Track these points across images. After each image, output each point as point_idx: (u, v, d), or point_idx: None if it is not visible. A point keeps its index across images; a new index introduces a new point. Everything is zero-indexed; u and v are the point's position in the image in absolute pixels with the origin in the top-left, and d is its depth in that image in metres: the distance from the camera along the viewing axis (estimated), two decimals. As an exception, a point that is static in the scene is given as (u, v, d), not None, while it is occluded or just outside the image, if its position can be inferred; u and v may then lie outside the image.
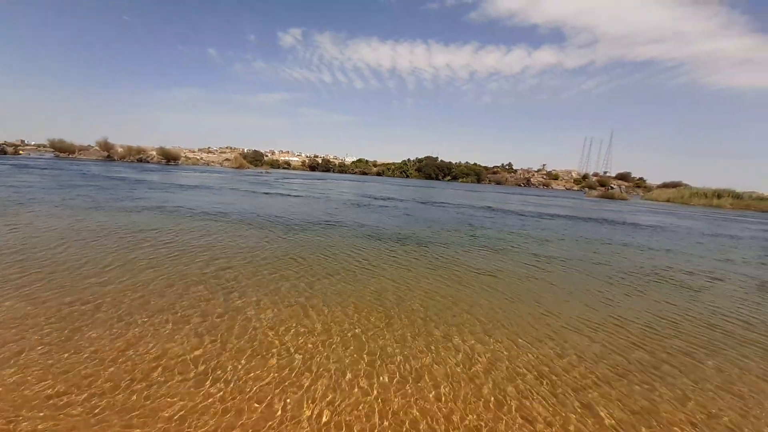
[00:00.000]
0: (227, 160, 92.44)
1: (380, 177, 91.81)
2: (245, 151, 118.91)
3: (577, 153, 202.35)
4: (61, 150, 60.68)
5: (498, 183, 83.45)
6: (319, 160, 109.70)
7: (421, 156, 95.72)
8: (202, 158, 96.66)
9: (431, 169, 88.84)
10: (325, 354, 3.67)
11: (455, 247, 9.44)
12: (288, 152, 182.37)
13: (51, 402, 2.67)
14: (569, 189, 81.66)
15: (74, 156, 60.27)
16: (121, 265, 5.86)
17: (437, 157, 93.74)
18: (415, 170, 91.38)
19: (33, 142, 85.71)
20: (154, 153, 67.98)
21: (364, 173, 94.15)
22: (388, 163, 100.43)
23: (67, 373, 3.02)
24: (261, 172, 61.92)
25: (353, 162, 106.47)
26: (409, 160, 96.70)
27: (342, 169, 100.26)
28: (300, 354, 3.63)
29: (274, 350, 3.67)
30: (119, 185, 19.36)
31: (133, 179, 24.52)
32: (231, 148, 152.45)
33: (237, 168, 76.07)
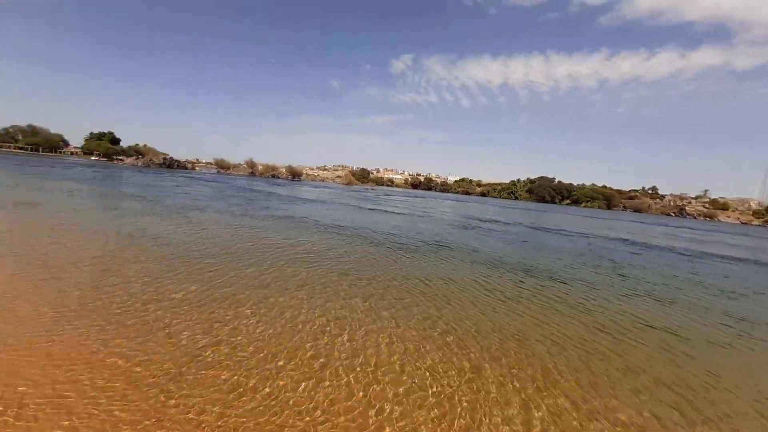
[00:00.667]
0: (339, 176, 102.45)
1: (484, 198, 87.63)
2: (354, 168, 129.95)
3: (753, 178, 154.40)
4: (222, 167, 76.99)
5: (636, 210, 69.78)
6: (422, 179, 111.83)
7: (532, 176, 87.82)
8: (318, 175, 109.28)
9: (546, 191, 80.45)
10: (491, 411, 3.04)
11: (604, 288, 7.72)
12: (392, 170, 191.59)
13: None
14: (746, 223, 62.85)
15: (229, 171, 75.64)
16: (274, 274, 6.48)
17: (553, 178, 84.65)
18: (526, 191, 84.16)
19: (204, 160, 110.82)
20: (284, 170, 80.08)
21: (467, 193, 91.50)
22: (493, 183, 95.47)
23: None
24: (366, 189, 66.37)
25: (456, 181, 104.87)
26: (518, 180, 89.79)
27: (444, 188, 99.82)
28: (458, 400, 3.11)
29: (427, 391, 3.24)
30: (258, 197, 22.90)
31: (268, 191, 28.86)
32: (342, 166, 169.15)
33: (346, 184, 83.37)
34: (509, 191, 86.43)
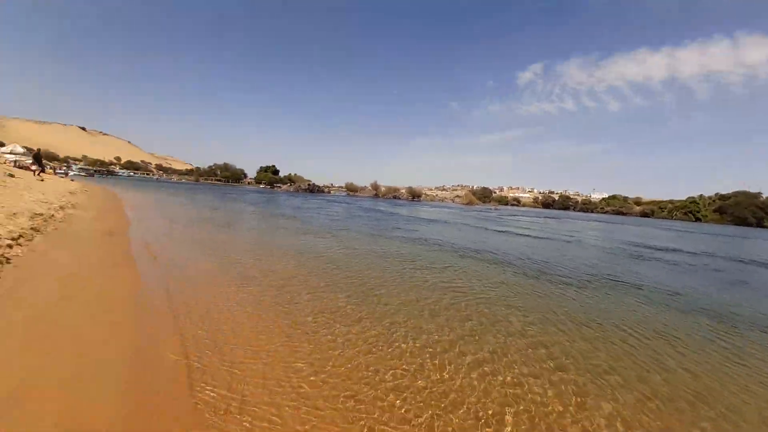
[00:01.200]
0: (458, 196, 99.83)
1: (646, 219, 69.97)
2: (474, 188, 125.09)
3: None
4: (350, 190, 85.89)
5: None
6: (555, 197, 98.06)
7: (719, 191, 65.69)
8: (437, 195, 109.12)
9: (747, 211, 58.66)
10: None
11: None
12: (518, 188, 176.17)
13: None
14: None
15: (357, 193, 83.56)
16: (433, 304, 5.45)
17: (758, 193, 61.11)
18: (714, 211, 63.24)
19: (336, 185, 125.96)
20: (404, 191, 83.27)
21: (621, 213, 74.64)
22: (659, 201, 75.21)
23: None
24: (490, 209, 61.77)
25: (604, 199, 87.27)
26: (701, 197, 68.17)
27: (587, 207, 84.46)
28: None
29: None
30: (386, 218, 23.27)
31: (391, 212, 29.40)
32: (461, 185, 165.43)
33: (466, 204, 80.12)
34: (687, 210, 66.52)
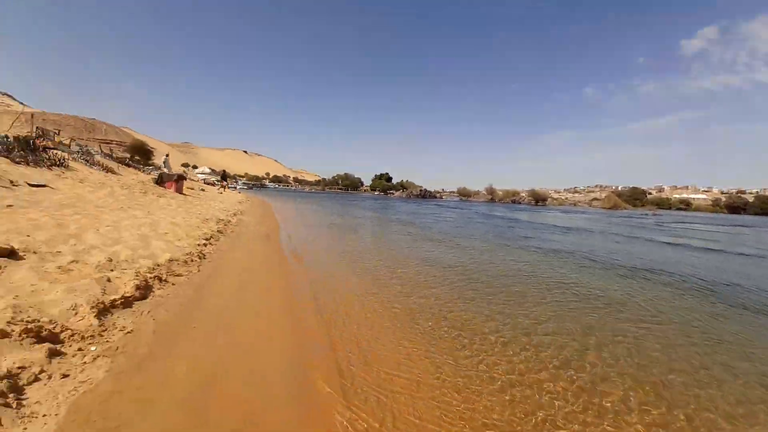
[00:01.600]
0: (596, 199, 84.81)
1: None
2: (618, 188, 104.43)
3: None
4: (463, 194, 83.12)
5: None
6: (749, 197, 72.79)
7: None
8: (567, 198, 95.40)
9: None
10: None
11: None
12: (685, 187, 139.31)
13: None
14: None
15: (470, 198, 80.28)
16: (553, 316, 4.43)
17: None
18: None
19: (448, 190, 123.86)
20: (525, 195, 75.64)
21: None
22: None
23: None
24: (646, 214, 49.93)
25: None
26: None
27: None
28: None
29: None
30: (507, 224, 21.20)
31: (512, 218, 26.70)
32: (600, 186, 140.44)
33: (609, 208, 67.23)
34: None
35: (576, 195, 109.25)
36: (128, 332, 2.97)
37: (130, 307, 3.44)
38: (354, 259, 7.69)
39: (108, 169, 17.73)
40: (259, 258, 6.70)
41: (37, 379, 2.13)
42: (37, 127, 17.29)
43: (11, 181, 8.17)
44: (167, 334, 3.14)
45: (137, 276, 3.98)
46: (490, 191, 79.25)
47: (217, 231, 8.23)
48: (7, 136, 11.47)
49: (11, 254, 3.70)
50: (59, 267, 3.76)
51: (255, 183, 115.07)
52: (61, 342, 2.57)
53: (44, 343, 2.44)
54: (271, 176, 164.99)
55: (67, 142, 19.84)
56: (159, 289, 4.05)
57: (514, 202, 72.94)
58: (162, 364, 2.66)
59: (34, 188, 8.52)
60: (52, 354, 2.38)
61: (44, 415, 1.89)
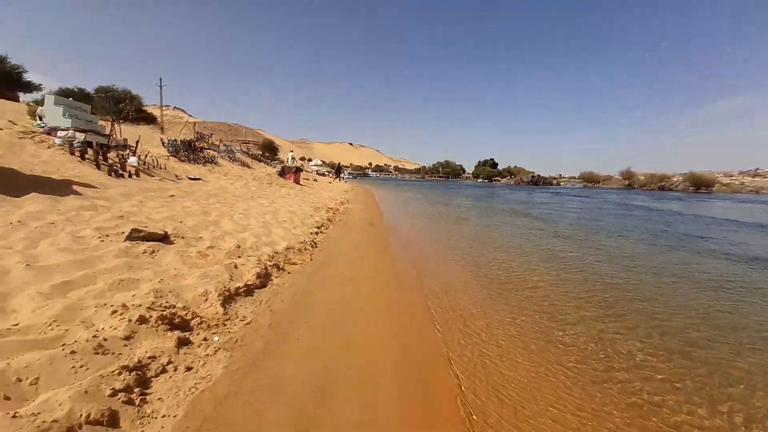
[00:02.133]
0: (789, 184, 61.68)
1: None
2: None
3: None
4: (588, 180, 71.23)
5: None
6: None
7: None
8: (745, 184, 72.16)
9: None
10: None
11: None
12: None
13: None
14: None
15: (598, 185, 68.20)
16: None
17: None
18: None
19: (566, 175, 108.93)
20: (678, 179, 60.02)
21: None
22: None
23: None
24: None
25: None
26: None
27: None
28: None
29: None
30: (654, 217, 16.93)
31: (659, 208, 21.26)
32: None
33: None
34: None
35: (757, 179, 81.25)
36: (247, 323, 2.94)
37: (251, 295, 3.50)
38: (467, 257, 6.90)
39: (244, 164, 20.97)
40: (366, 248, 6.54)
41: (164, 371, 2.13)
42: (196, 132, 21.55)
43: (176, 176, 10.07)
44: (282, 326, 3.03)
45: (259, 263, 4.11)
46: (627, 175, 65.27)
47: (327, 219, 8.52)
48: (176, 140, 14.47)
49: (164, 238, 4.23)
50: (199, 252, 4.14)
51: (359, 173, 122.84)
52: (190, 330, 2.63)
53: (175, 330, 2.51)
54: (373, 166, 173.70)
55: (217, 143, 24.35)
56: (277, 277, 4.12)
57: (662, 188, 58.61)
58: (275, 365, 2.48)
59: (192, 181, 10.34)
60: (181, 343, 2.41)
61: (164, 416, 1.81)
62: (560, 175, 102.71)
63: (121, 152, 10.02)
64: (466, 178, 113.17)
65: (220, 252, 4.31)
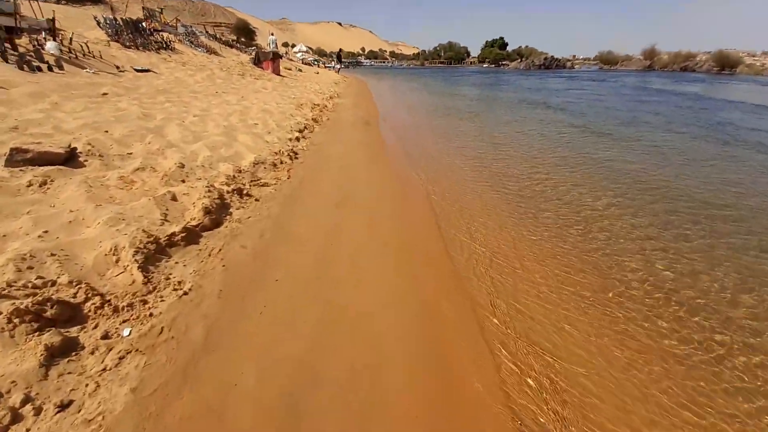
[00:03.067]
0: (826, 60, 55.36)
1: None
2: None
3: None
4: (606, 62, 63.69)
5: None
6: None
7: None
8: (765, 65, 65.16)
9: None
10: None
11: None
12: None
13: None
14: None
15: (616, 67, 61.19)
16: None
17: None
18: None
19: (581, 57, 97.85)
20: (703, 58, 53.64)
21: None
22: None
23: None
24: None
25: None
26: None
27: None
28: None
29: None
30: (680, 102, 14.91)
31: (684, 92, 18.86)
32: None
33: None
34: None
35: (786, 56, 72.50)
36: (183, 294, 1.97)
37: (196, 243, 2.46)
38: (481, 160, 5.67)
39: (211, 51, 17.54)
40: (361, 156, 5.26)
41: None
42: (143, 8, 17.32)
43: (117, 67, 7.96)
44: (239, 292, 2.09)
45: (210, 191, 2.95)
46: (649, 54, 57.92)
47: (312, 119, 6.96)
48: (116, 19, 11.37)
49: (69, 159, 2.95)
50: (121, 177, 2.92)
51: (351, 61, 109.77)
52: (81, 321, 1.66)
53: (48, 330, 1.53)
54: (366, 52, 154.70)
55: (173, 22, 19.91)
56: (238, 208, 3.02)
57: (685, 69, 52.89)
58: (222, 371, 1.59)
59: (139, 73, 8.27)
60: (54, 354, 1.46)
61: None
62: (574, 56, 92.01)
63: (34, 37, 7.67)
64: (471, 63, 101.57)
65: (153, 176, 3.10)
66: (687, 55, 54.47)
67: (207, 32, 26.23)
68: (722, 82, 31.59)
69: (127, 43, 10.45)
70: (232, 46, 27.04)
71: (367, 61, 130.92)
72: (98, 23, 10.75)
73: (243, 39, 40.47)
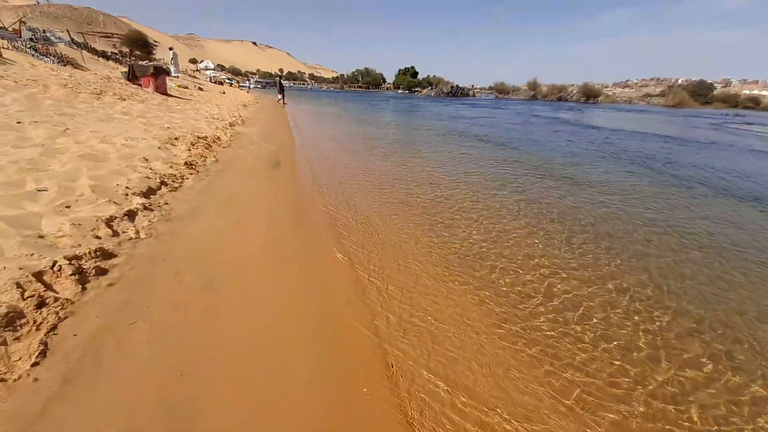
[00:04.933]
0: (648, 95, 72.07)
1: None
2: (680, 82, 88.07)
3: None
4: (500, 91, 72.30)
5: None
6: None
7: None
8: (617, 95, 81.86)
9: None
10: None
11: None
12: (756, 82, 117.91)
13: None
14: None
15: (508, 96, 69.77)
16: None
17: None
18: None
19: (478, 86, 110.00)
20: (574, 90, 64.63)
21: None
22: None
23: None
24: (725, 114, 41.05)
25: None
26: None
27: None
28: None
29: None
30: (563, 127, 16.32)
31: (567, 120, 21.27)
32: (657, 79, 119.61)
33: (673, 106, 56.86)
34: None
35: (627, 90, 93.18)
36: None
37: None
38: (450, 234, 4.18)
39: (68, 62, 13.55)
40: (254, 235, 3.27)
41: None
42: None
43: None
44: None
45: None
46: (533, 86, 67.88)
47: (186, 164, 4.71)
48: None
49: None
50: None
51: (268, 81, 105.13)
52: None
53: None
54: (285, 73, 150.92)
55: (16, 26, 15.22)
56: None
57: (560, 99, 62.88)
58: None
59: None
60: None
61: None
62: (473, 85, 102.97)
63: None
64: (387, 88, 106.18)
65: None
66: (561, 87, 65.42)
67: (72, 40, 21.14)
68: (591, 109, 37.85)
69: None
70: (109, 58, 22.29)
71: (286, 82, 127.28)
72: None
73: (137, 52, 34.76)
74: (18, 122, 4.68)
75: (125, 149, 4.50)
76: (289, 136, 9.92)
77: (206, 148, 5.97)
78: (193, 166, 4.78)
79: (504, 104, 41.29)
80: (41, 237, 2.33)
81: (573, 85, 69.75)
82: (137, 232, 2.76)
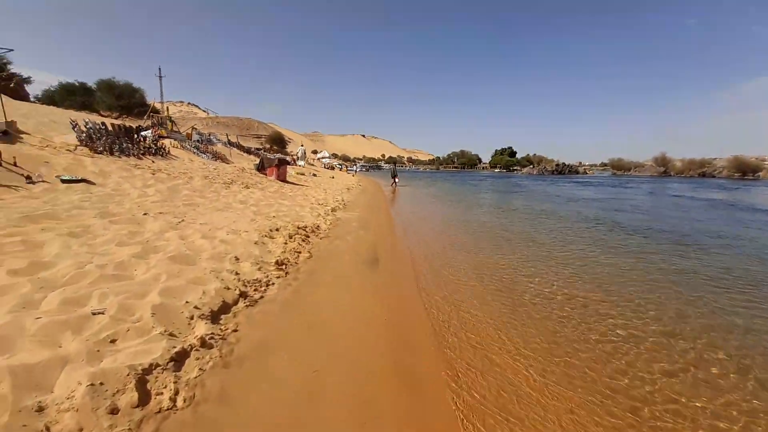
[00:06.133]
0: None
1: None
2: None
3: None
4: (618, 168, 64.57)
5: None
6: None
7: None
8: None
9: None
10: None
11: None
12: None
13: None
14: None
15: (629, 173, 61.50)
16: None
17: None
18: None
19: (587, 162, 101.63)
20: (723, 164, 53.18)
21: None
22: None
23: None
24: None
25: None
26: None
27: None
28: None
29: None
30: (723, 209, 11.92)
31: (728, 202, 16.04)
32: None
33: None
34: None
35: (811, 162, 72.30)
36: None
37: None
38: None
39: (219, 157, 16.79)
40: (344, 347, 2.13)
41: None
42: (152, 114, 17.37)
43: (28, 177, 5.84)
44: None
45: None
46: (662, 161, 58.42)
47: (276, 264, 4.13)
48: (102, 124, 10.31)
49: None
50: None
51: (371, 165, 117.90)
52: None
53: None
54: (386, 157, 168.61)
55: (190, 130, 20.09)
56: None
57: (703, 175, 52.16)
58: None
59: (67, 184, 6.14)
60: None
61: None
62: (580, 162, 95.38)
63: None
64: (483, 168, 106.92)
65: None
66: (702, 161, 54.41)
67: (229, 140, 27.11)
68: (755, 186, 29.67)
69: (99, 149, 8.93)
70: (250, 153, 27.62)
71: (387, 165, 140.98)
72: (73, 127, 9.52)
73: (275, 147, 43.39)
74: (144, 214, 4.96)
75: (221, 246, 4.19)
76: (388, 221, 9.40)
77: (303, 239, 5.52)
78: (284, 266, 4.16)
79: (625, 182, 35.90)
80: (40, 410, 1.58)
81: (716, 158, 58.24)
82: (173, 396, 1.86)
